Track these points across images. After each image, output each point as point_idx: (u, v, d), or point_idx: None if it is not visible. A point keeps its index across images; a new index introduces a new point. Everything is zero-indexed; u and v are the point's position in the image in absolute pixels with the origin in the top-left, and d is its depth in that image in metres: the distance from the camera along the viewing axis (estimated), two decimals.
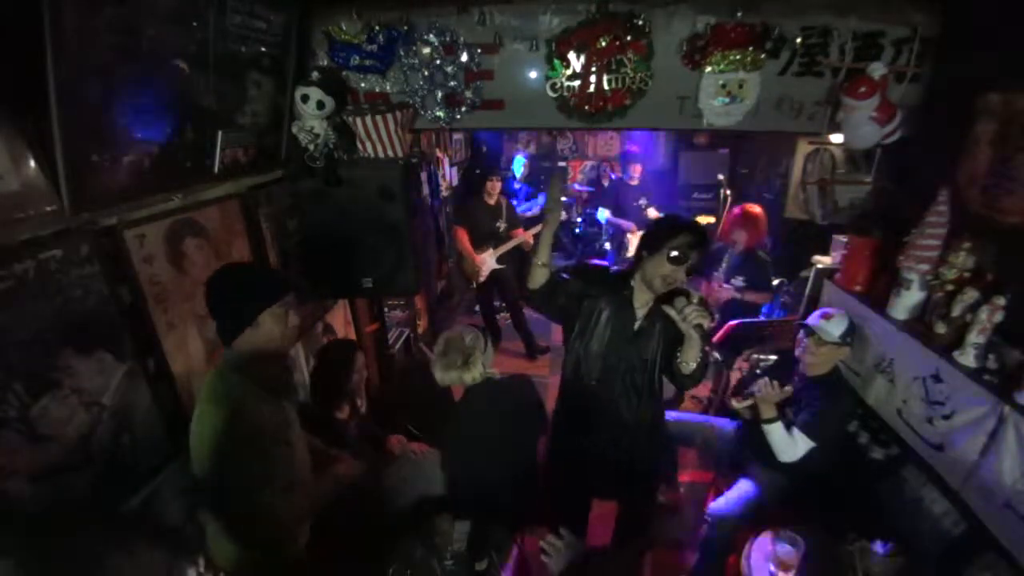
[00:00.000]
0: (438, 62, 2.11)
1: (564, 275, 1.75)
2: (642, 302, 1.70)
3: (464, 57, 2.11)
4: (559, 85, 2.14)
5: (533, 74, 2.15)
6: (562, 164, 6.95)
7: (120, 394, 1.37)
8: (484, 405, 1.77)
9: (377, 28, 2.06)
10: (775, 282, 3.22)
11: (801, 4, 1.94)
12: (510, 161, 5.76)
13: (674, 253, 1.54)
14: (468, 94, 2.17)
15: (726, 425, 2.37)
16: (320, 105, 1.94)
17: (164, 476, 1.48)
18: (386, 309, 3.27)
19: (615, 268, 1.86)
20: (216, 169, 1.70)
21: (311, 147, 2.01)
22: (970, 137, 1.74)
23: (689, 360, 1.59)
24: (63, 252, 1.21)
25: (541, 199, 5.12)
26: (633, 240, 4.79)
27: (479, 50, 2.10)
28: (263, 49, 1.80)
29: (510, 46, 2.11)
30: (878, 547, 1.71)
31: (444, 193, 4.59)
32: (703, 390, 3.32)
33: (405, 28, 2.07)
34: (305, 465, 1.52)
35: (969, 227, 1.72)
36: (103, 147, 1.26)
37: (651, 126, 2.30)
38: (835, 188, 3.36)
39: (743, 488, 2.08)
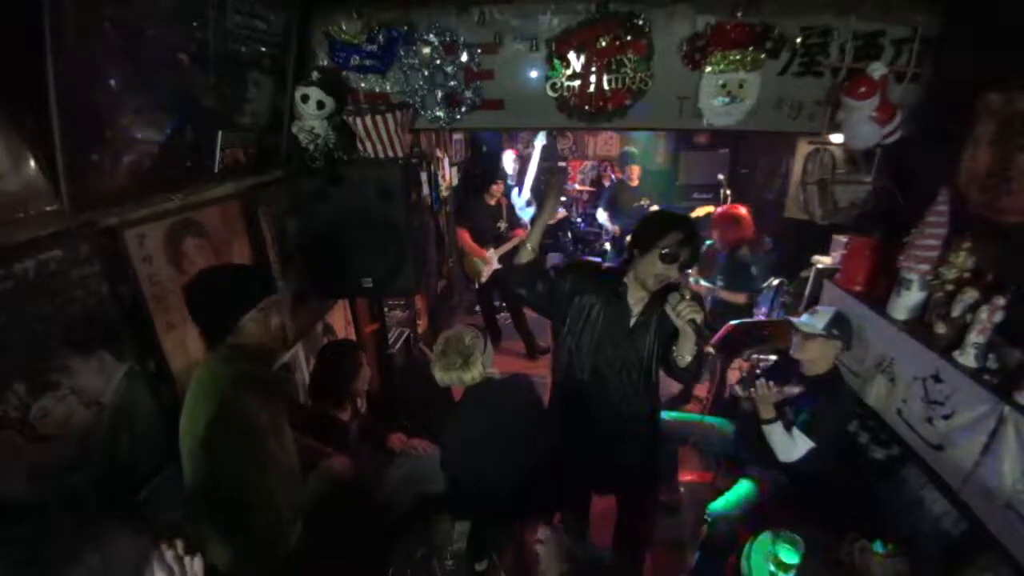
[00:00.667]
0: (438, 62, 2.11)
1: (554, 271, 1.76)
2: (637, 299, 1.71)
3: (464, 57, 2.11)
4: (559, 85, 2.14)
5: (533, 74, 2.15)
6: (562, 164, 6.95)
7: (120, 394, 1.36)
8: (484, 405, 1.76)
9: (377, 28, 2.07)
10: (775, 282, 3.22)
11: (801, 4, 1.95)
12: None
13: (665, 251, 1.55)
14: (468, 94, 2.17)
15: (722, 424, 2.38)
16: (320, 105, 1.95)
17: (164, 476, 1.48)
18: (386, 309, 3.27)
19: (607, 264, 1.87)
20: (216, 169, 1.71)
21: (311, 147, 2.01)
22: (970, 137, 1.74)
23: (684, 354, 1.60)
24: (63, 252, 1.21)
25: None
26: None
27: (479, 50, 2.10)
28: (263, 49, 1.80)
29: (510, 46, 2.11)
30: (878, 547, 1.70)
31: (444, 193, 4.59)
32: (704, 390, 3.32)
33: (405, 28, 2.07)
34: (294, 459, 1.51)
35: (969, 227, 1.72)
36: (103, 147, 1.26)
37: (651, 126, 2.30)
38: (835, 188, 3.36)
39: (743, 488, 2.08)
